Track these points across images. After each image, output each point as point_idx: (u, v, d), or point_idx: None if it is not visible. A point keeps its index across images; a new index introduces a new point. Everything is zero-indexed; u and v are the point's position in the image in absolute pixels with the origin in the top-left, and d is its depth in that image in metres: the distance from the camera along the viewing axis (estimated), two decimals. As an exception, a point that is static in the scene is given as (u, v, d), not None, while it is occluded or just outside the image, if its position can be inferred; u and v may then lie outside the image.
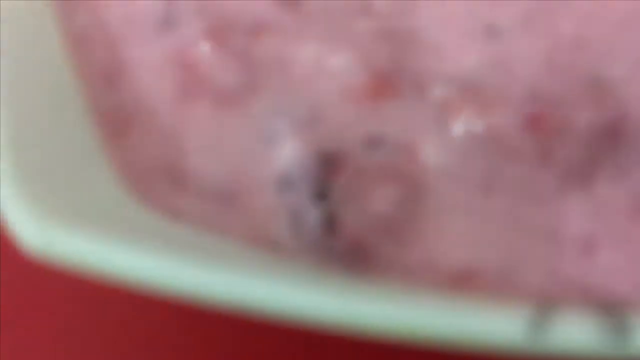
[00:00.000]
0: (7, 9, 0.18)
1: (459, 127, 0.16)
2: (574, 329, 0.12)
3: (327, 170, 0.15)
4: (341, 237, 0.15)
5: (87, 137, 0.16)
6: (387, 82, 0.16)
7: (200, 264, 0.13)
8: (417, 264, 0.15)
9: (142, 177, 0.16)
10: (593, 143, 0.16)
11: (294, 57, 0.17)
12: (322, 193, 0.15)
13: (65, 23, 0.18)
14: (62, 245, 0.13)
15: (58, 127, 0.16)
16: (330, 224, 0.15)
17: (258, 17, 0.17)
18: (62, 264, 0.13)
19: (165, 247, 0.13)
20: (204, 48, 0.17)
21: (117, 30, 0.17)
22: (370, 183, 0.15)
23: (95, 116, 0.17)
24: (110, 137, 0.16)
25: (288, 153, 0.16)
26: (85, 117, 0.16)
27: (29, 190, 0.14)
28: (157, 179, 0.16)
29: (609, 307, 0.13)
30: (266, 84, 0.17)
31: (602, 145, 0.16)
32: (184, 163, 0.16)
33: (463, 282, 0.15)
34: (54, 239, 0.13)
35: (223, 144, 0.16)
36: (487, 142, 0.15)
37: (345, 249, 0.15)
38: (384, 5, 0.18)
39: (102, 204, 0.14)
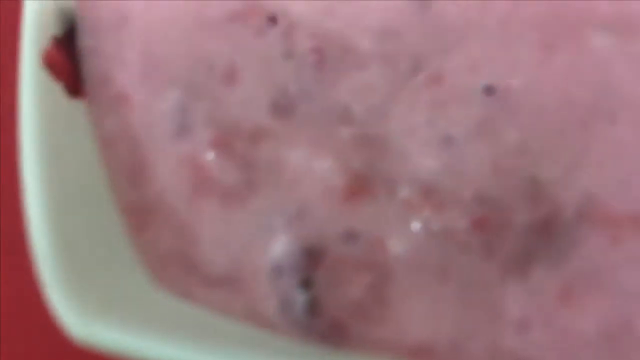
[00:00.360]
0: (47, 113, 0.21)
1: (419, 224, 0.19)
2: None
3: (311, 262, 0.19)
4: (323, 319, 0.19)
5: (115, 231, 0.19)
6: (362, 184, 0.20)
7: (207, 345, 0.17)
8: (384, 339, 0.18)
9: (161, 265, 0.19)
10: (529, 238, 0.19)
11: (286, 160, 0.20)
12: (307, 281, 0.19)
13: (98, 127, 0.21)
14: (100, 336, 0.16)
15: (92, 224, 0.20)
16: (314, 308, 0.19)
17: (256, 125, 0.21)
18: (100, 348, 0.17)
19: (178, 331, 0.17)
20: (212, 153, 0.20)
21: (139, 135, 0.21)
22: (347, 272, 0.19)
23: (121, 210, 0.20)
24: (134, 229, 0.20)
25: (279, 246, 0.19)
26: (114, 211, 0.20)
27: (72, 287, 0.17)
28: (173, 267, 0.20)
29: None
30: (263, 184, 0.20)
31: (537, 239, 0.19)
32: (195, 252, 0.20)
33: (421, 354, 0.18)
34: (93, 331, 0.16)
35: (227, 236, 0.20)
36: (441, 238, 0.19)
37: (326, 328, 0.19)
38: (361, 112, 0.21)
39: (130, 295, 0.18)
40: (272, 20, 0.22)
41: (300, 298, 0.19)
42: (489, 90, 0.21)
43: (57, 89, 0.21)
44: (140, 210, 0.21)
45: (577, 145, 0.20)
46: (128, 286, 0.19)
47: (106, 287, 0.18)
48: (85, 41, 0.22)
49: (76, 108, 0.22)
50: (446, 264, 0.19)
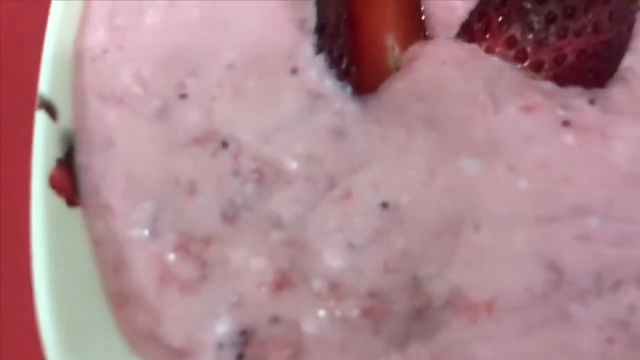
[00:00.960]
0: (54, 219, 0.28)
1: (326, 311, 0.26)
2: None
3: (245, 340, 0.26)
4: (253, 382, 0.25)
5: (103, 309, 0.26)
6: (286, 278, 0.27)
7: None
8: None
9: (136, 337, 0.26)
10: (408, 321, 0.26)
11: (230, 259, 0.27)
12: (241, 355, 0.26)
13: (90, 230, 0.28)
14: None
15: (84, 304, 0.26)
16: (247, 375, 0.26)
17: (209, 230, 0.28)
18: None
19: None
20: (174, 254, 0.27)
21: (120, 237, 0.28)
22: (271, 348, 0.26)
23: (107, 294, 0.27)
24: (116, 309, 0.27)
25: (222, 327, 0.26)
26: (101, 295, 0.27)
27: (68, 351, 0.24)
28: (145, 339, 0.26)
29: None
30: (212, 278, 0.27)
31: (414, 322, 0.26)
32: (160, 329, 0.26)
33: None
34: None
35: (185, 318, 0.26)
36: (341, 322, 0.26)
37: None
38: (289, 220, 0.28)
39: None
40: (225, 145, 0.29)
41: (236, 370, 0.26)
42: (384, 205, 0.28)
43: (60, 201, 0.28)
44: (120, 295, 0.27)
45: (448, 249, 0.27)
46: (112, 353, 0.26)
47: (96, 352, 0.25)
48: (80, 159, 0.29)
49: (75, 215, 0.28)
50: (345, 341, 0.26)
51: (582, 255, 0.27)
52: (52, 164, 0.28)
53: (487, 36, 0.31)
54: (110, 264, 0.27)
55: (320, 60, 0.30)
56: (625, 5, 0.30)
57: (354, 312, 0.26)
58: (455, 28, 0.33)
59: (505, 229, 0.27)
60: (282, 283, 0.26)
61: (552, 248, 0.27)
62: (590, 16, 0.29)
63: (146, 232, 0.27)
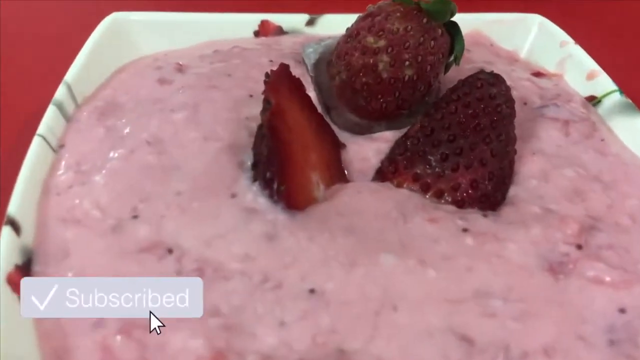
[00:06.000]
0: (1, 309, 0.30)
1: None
2: None
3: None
4: None
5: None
6: (223, 355, 0.29)
7: None
8: None
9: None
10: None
11: (170, 342, 0.29)
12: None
13: (38, 322, 0.30)
14: None
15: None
16: None
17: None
18: None
19: None
20: (118, 339, 0.29)
21: (67, 327, 0.30)
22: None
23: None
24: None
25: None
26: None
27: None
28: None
29: None
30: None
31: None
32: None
33: None
34: None
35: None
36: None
37: None
38: (226, 309, 0.30)
39: None
40: (170, 251, 0.33)
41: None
42: (312, 291, 0.31)
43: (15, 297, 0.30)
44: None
45: (371, 326, 0.30)
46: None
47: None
48: (37, 268, 0.32)
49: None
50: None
51: (490, 328, 0.30)
52: (11, 267, 0.31)
53: (397, 175, 0.38)
54: (57, 352, 0.29)
55: (256, 187, 0.35)
56: (503, 146, 0.37)
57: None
58: (371, 174, 0.39)
59: (420, 309, 0.30)
60: (218, 359, 0.28)
61: (462, 323, 0.30)
62: (475, 153, 0.37)
63: (92, 321, 0.29)
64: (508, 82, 0.39)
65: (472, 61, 0.50)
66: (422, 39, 0.40)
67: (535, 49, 0.53)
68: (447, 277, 0.32)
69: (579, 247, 0.34)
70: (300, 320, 0.30)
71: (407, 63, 0.40)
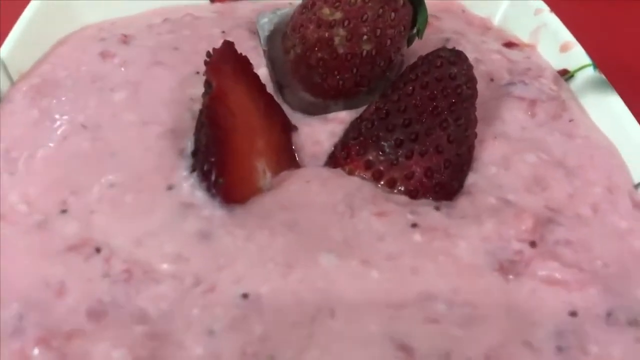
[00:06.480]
0: None
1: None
2: None
3: None
4: None
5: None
6: (146, 367, 0.27)
7: None
8: None
9: None
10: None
11: (91, 352, 0.28)
12: None
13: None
14: None
15: None
16: None
17: (73, 327, 0.28)
18: None
19: None
20: (36, 349, 0.27)
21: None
22: None
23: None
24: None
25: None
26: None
27: None
28: None
29: None
30: (72, 371, 0.27)
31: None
32: None
33: None
34: None
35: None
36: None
37: None
38: (154, 314, 0.29)
39: None
40: (98, 250, 0.31)
41: None
42: (245, 296, 0.29)
43: None
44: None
45: (306, 334, 0.28)
46: None
47: None
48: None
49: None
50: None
51: (431, 336, 0.28)
52: None
53: (349, 161, 0.35)
54: (-30, 364, 0.27)
55: (194, 178, 0.33)
56: (462, 131, 0.35)
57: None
58: (323, 159, 0.37)
59: (358, 315, 0.29)
60: (142, 371, 0.27)
61: (403, 330, 0.28)
62: (431, 139, 0.34)
63: (9, 329, 0.28)
64: (477, 56, 0.36)
65: (441, 30, 0.47)
66: (381, 10, 0.37)
67: (509, 15, 0.50)
68: (391, 279, 0.30)
69: (533, 244, 0.32)
70: (230, 329, 0.28)
71: (365, 37, 0.37)
